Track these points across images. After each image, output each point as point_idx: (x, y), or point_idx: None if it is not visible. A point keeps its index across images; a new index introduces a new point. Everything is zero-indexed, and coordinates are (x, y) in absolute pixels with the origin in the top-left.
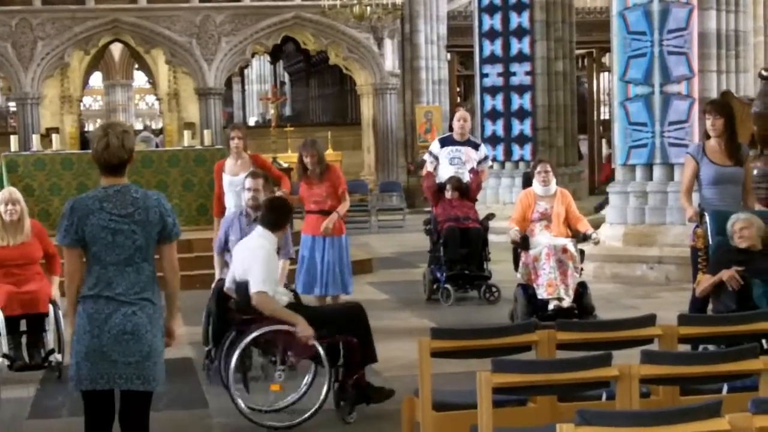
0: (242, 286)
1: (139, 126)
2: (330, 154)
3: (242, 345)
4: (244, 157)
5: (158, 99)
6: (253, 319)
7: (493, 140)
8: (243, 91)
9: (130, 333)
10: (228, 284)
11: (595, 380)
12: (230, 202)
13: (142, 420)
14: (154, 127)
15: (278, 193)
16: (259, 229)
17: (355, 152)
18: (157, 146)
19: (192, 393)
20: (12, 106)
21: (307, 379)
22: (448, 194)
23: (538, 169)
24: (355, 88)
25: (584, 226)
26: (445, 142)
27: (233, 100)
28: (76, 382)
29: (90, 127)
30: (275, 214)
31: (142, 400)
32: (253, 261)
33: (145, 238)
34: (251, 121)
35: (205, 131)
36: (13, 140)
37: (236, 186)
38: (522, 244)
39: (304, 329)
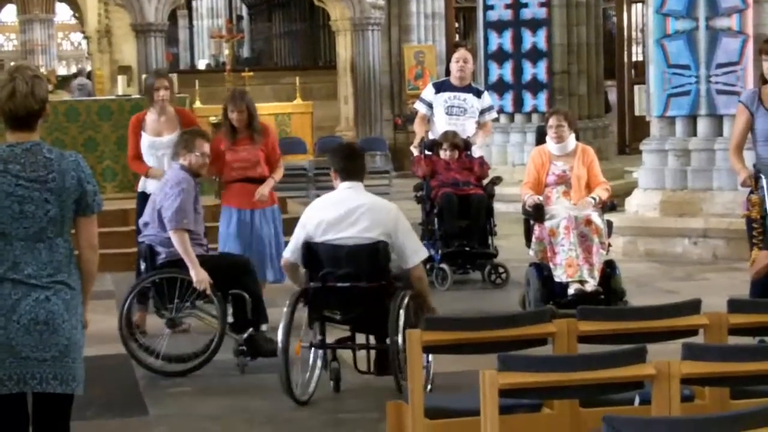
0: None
1: (62, 71)
2: (298, 104)
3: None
4: (169, 112)
5: (86, 37)
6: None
7: (499, 87)
8: (191, 27)
9: (43, 323)
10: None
11: (625, 380)
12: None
13: (61, 429)
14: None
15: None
16: (350, 186)
17: (329, 102)
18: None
19: (128, 397)
20: None
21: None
22: (443, 153)
23: (550, 122)
24: (329, 24)
25: (600, 191)
26: (441, 87)
27: (178, 38)
28: None
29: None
30: (361, 161)
31: (62, 405)
32: (402, 221)
33: (60, 207)
34: (201, 64)
35: (144, 76)
36: None
37: (158, 149)
38: (535, 214)
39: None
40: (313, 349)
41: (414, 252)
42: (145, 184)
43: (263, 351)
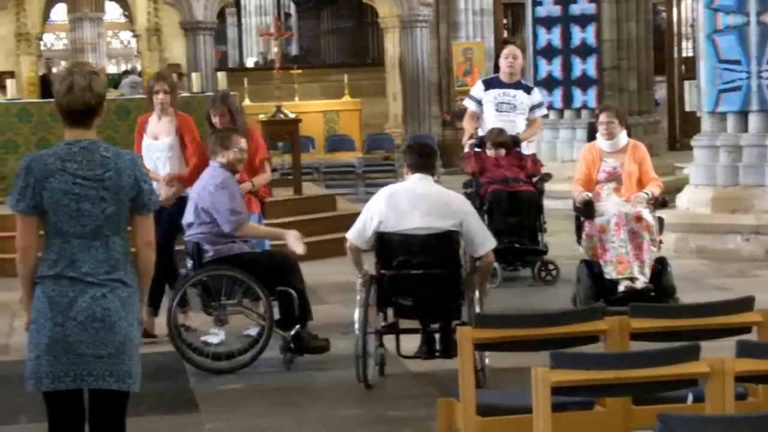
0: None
1: (112, 69)
2: (346, 102)
3: None
4: (169, 116)
5: (135, 36)
6: None
7: (548, 83)
8: (239, 25)
9: (100, 320)
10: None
11: (678, 378)
12: None
13: (116, 426)
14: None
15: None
16: (421, 177)
17: (378, 100)
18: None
19: (180, 394)
20: None
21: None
22: (489, 152)
23: (600, 118)
24: (377, 21)
25: (652, 187)
26: (490, 84)
27: (227, 36)
28: (35, 382)
29: (53, 71)
30: (433, 158)
31: (117, 402)
32: (471, 211)
33: (116, 206)
34: (249, 62)
35: (193, 75)
36: None
37: (154, 152)
38: (585, 210)
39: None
40: (369, 336)
41: (486, 239)
42: None
43: (310, 347)
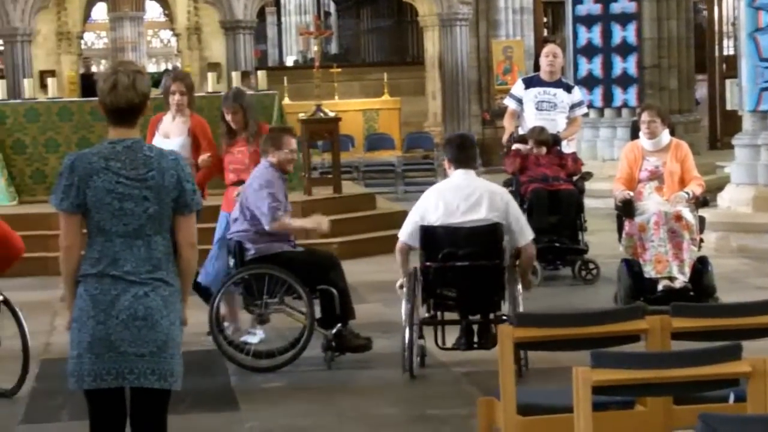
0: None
1: (152, 68)
2: (386, 100)
3: None
4: (184, 116)
5: (175, 35)
6: None
7: (588, 82)
8: (279, 24)
9: (142, 318)
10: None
11: (720, 378)
12: None
13: (158, 424)
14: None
15: (204, 157)
16: (464, 173)
17: (417, 98)
18: None
19: (220, 392)
20: None
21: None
22: (528, 148)
23: (643, 117)
24: (417, 20)
25: (694, 186)
26: (530, 82)
27: (267, 35)
28: (76, 380)
29: (94, 69)
30: (473, 150)
31: (158, 400)
32: (513, 204)
33: (158, 205)
34: (289, 61)
35: (233, 74)
36: (0, 86)
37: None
38: (624, 209)
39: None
40: (408, 328)
41: (526, 232)
42: None
43: (352, 346)
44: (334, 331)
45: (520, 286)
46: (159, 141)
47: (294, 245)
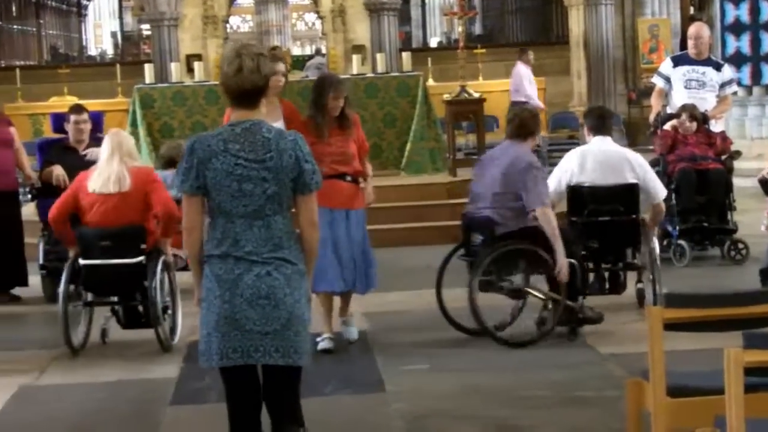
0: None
1: (296, 51)
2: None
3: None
4: (273, 103)
5: (320, 17)
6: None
7: (737, 60)
8: (423, 5)
9: (265, 297)
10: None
11: None
12: None
13: (289, 400)
14: (309, 52)
15: None
16: (601, 139)
17: (562, 78)
18: None
19: (366, 374)
20: (146, 29)
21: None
22: (682, 127)
23: None
24: None
25: None
26: (679, 60)
27: (410, 16)
28: (206, 358)
29: None
30: (610, 120)
31: (287, 377)
32: (647, 165)
33: (277, 186)
34: (433, 42)
35: (378, 55)
36: (148, 70)
37: None
38: (764, 188)
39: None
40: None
41: (660, 191)
42: None
43: (588, 319)
44: (579, 302)
45: (655, 239)
46: None
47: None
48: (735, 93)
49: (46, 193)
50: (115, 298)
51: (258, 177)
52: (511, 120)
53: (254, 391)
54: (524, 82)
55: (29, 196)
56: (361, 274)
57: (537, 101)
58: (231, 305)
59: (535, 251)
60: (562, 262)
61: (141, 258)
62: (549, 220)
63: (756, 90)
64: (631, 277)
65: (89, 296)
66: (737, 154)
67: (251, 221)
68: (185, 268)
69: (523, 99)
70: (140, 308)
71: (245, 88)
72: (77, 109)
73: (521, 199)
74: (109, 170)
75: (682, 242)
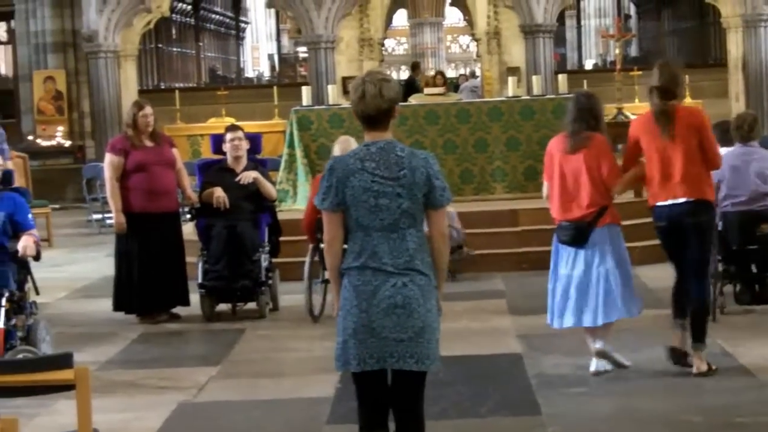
0: None
1: (451, 73)
2: (687, 102)
3: None
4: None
5: (475, 39)
6: None
7: None
8: (578, 27)
9: (401, 306)
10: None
11: None
12: None
13: (415, 403)
14: (463, 73)
15: None
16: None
17: (720, 101)
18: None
19: (521, 395)
20: (302, 51)
21: None
22: None
23: None
24: (719, 21)
25: None
26: None
27: (566, 38)
28: (342, 363)
29: (395, 74)
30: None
31: (416, 382)
32: None
33: (410, 201)
34: (588, 64)
35: (533, 77)
36: (305, 92)
37: None
38: None
39: None
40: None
41: None
42: None
43: None
44: None
45: None
46: None
47: None
48: None
49: (205, 213)
50: None
51: (393, 193)
52: (740, 126)
53: (384, 395)
54: None
55: (188, 216)
56: (617, 300)
57: None
58: (368, 314)
59: None
60: None
61: None
62: None
63: None
64: None
65: (324, 274)
66: None
67: (387, 234)
68: None
69: None
70: None
71: (369, 113)
72: (232, 128)
73: None
74: None
75: None
